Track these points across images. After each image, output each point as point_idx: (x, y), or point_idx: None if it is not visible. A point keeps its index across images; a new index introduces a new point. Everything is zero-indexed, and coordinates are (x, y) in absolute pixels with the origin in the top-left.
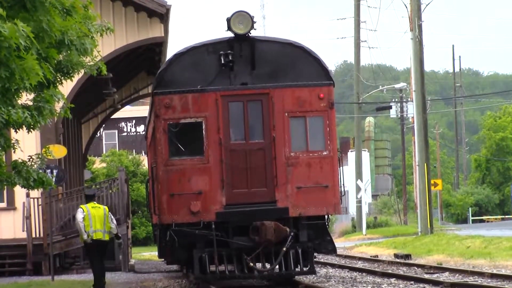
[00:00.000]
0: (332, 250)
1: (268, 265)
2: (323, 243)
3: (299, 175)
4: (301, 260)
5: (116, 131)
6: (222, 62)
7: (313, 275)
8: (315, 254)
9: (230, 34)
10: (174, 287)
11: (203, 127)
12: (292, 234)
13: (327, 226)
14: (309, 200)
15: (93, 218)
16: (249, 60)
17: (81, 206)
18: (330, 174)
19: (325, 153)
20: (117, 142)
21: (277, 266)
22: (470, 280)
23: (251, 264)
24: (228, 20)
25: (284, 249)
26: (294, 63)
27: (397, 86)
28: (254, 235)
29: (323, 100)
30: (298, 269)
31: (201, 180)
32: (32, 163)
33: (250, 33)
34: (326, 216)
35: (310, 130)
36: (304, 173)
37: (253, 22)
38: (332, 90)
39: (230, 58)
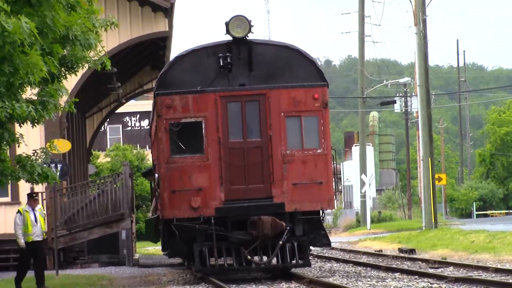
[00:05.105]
0: (326, 243)
1: (265, 258)
2: (318, 236)
3: (295, 172)
4: (296, 253)
5: (121, 126)
6: (221, 64)
7: (316, 270)
8: (315, 248)
9: (229, 37)
10: (178, 281)
11: (203, 126)
12: (288, 228)
13: (322, 221)
14: (304, 196)
15: None
16: (247, 62)
17: None
18: (324, 171)
19: (319, 151)
20: (121, 136)
21: (274, 259)
22: (475, 274)
23: (249, 257)
24: (227, 24)
25: (281, 242)
26: (290, 65)
27: (402, 80)
28: (252, 229)
29: (318, 101)
30: (294, 262)
31: (201, 177)
32: (37, 157)
33: (248, 37)
34: (320, 211)
35: (305, 129)
36: (299, 170)
37: (250, 26)
38: (326, 90)
39: (229, 60)
